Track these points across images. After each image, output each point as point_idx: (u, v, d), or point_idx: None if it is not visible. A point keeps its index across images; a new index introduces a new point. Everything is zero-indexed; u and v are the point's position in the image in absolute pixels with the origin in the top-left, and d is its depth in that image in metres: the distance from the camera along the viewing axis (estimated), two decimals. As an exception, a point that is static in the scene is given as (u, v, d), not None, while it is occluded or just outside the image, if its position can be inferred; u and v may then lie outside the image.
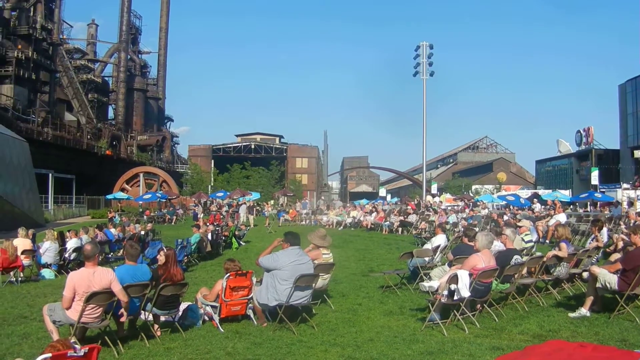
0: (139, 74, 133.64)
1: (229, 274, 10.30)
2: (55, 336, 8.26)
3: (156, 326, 9.47)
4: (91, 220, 47.35)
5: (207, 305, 10.43)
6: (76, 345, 5.24)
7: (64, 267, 18.91)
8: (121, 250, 22.43)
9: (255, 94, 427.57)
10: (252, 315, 10.42)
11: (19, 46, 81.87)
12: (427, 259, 14.80)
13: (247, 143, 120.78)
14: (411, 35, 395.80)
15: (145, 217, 45.16)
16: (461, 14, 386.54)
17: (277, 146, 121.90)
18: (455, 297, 9.62)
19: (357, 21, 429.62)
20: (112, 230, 26.19)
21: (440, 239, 16.01)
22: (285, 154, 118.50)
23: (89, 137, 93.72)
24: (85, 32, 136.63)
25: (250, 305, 10.48)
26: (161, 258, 10.27)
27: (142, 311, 9.48)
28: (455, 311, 9.70)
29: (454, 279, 9.63)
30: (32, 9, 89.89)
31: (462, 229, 22.08)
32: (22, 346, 8.91)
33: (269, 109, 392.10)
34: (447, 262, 12.89)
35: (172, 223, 46.36)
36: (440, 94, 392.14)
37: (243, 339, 9.19)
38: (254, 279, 10.69)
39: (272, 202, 61.68)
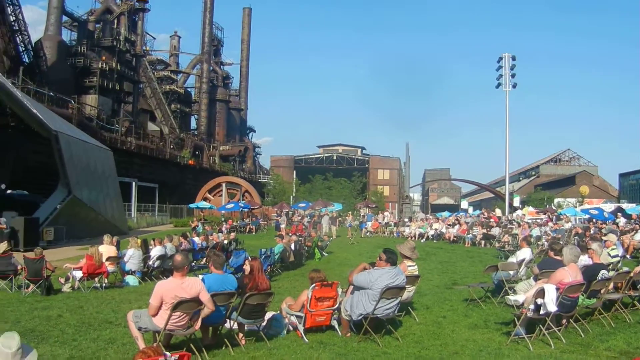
0: (222, 85, 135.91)
1: (314, 284, 10.28)
2: (141, 342, 8.41)
3: (241, 335, 9.55)
4: (173, 228, 48.18)
5: (292, 315, 10.41)
6: (167, 352, 5.36)
7: (147, 274, 19.25)
8: (204, 259, 22.79)
9: (338, 105, 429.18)
10: (336, 326, 10.38)
11: (103, 57, 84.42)
12: (512, 272, 14.50)
13: (329, 154, 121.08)
14: (496, 46, 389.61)
15: (227, 226, 45.65)
16: (544, 27, 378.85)
17: (359, 157, 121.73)
18: (542, 312, 9.39)
19: (441, 33, 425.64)
20: (196, 238, 26.58)
21: (525, 253, 15.67)
22: (367, 166, 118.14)
23: (171, 146, 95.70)
24: (168, 44, 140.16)
25: (335, 315, 10.46)
26: (247, 267, 10.38)
27: (227, 319, 9.55)
28: (541, 326, 9.48)
29: (541, 293, 9.40)
30: (115, 21, 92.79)
31: (546, 243, 21.56)
32: (108, 351, 9.06)
33: (351, 121, 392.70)
34: (532, 275, 12.58)
35: (254, 233, 46.75)
36: (522, 106, 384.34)
37: (327, 350, 9.13)
38: (340, 290, 10.65)
39: (354, 213, 61.46)
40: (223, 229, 42.11)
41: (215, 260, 9.89)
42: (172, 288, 8.47)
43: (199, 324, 8.82)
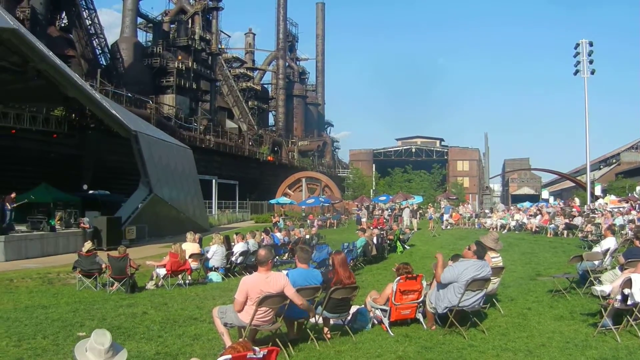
0: (298, 80, 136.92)
1: (399, 277, 10.15)
2: (226, 338, 8.41)
3: (326, 329, 9.49)
4: (254, 224, 48.68)
5: (377, 308, 10.29)
6: (255, 348, 5.22)
7: (230, 270, 19.31)
8: (286, 254, 22.80)
9: (415, 97, 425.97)
10: (421, 319, 10.25)
11: (179, 57, 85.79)
12: (596, 262, 14.02)
13: (408, 147, 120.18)
14: (570, 34, 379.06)
15: (308, 221, 45.85)
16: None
17: (438, 149, 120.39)
18: (629, 302, 9.06)
19: (510, 25, 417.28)
20: (278, 234, 26.62)
21: (609, 242, 15.21)
22: (446, 157, 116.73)
23: (250, 143, 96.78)
24: (243, 42, 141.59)
25: (420, 308, 10.34)
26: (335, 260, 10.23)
27: None
28: (628, 317, 9.23)
29: (628, 283, 9.07)
30: (190, 21, 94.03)
31: (630, 232, 20.77)
32: (194, 347, 9.08)
33: (429, 112, 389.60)
34: (617, 265, 12.09)
35: (335, 227, 46.79)
36: (600, 93, 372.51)
37: (413, 343, 9.04)
38: (424, 283, 10.51)
39: (435, 205, 60.83)
40: (315, 223, 42.76)
41: (300, 255, 9.83)
42: (257, 283, 8.42)
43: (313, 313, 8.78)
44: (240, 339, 8.15)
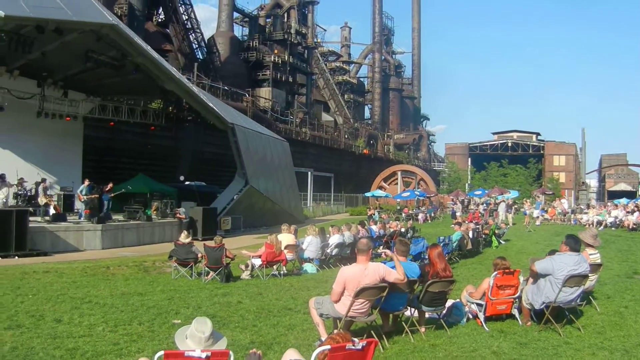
0: (394, 74, 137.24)
1: (496, 272, 10.06)
2: (322, 328, 8.48)
3: (421, 322, 9.48)
4: (349, 217, 48.78)
5: (473, 303, 10.28)
6: (355, 339, 5.37)
7: (325, 262, 19.29)
8: (381, 247, 22.63)
9: (511, 90, 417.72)
10: (517, 315, 10.18)
11: (276, 51, 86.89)
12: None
13: (504, 141, 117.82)
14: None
15: (404, 214, 45.63)
16: None
17: (534, 143, 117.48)
18: None
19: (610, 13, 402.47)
20: (374, 226, 26.48)
21: None
22: (542, 152, 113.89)
23: (346, 136, 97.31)
24: (339, 35, 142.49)
25: (515, 304, 10.25)
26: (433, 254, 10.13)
27: (408, 307, 9.52)
28: None
29: None
30: (285, 15, 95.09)
31: None
32: (288, 337, 9.11)
33: (525, 106, 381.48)
34: None
35: (430, 221, 46.58)
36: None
37: (508, 339, 9.02)
38: (521, 278, 10.39)
39: (530, 200, 59.53)
40: (419, 217, 42.81)
41: (399, 248, 9.73)
42: (356, 274, 8.39)
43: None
44: (335, 330, 8.28)
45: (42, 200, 25.94)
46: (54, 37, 24.85)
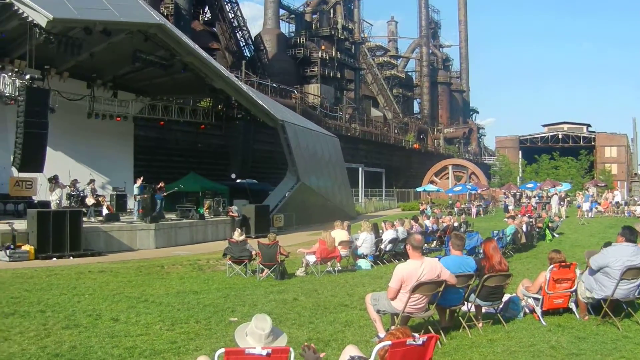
0: (442, 67, 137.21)
1: (553, 265, 9.91)
2: (379, 325, 8.45)
3: (478, 317, 9.46)
4: (401, 212, 48.61)
5: (530, 297, 10.16)
6: (415, 334, 5.29)
7: (379, 257, 19.18)
8: (434, 242, 22.50)
9: (562, 83, 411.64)
10: (574, 308, 10.01)
11: (323, 47, 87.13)
12: None
13: (554, 133, 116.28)
14: None
15: (456, 208, 45.38)
16: None
17: (585, 135, 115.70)
18: None
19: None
20: (427, 221, 26.32)
21: None
22: (593, 143, 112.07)
23: (395, 131, 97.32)
24: (386, 30, 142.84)
25: (572, 298, 10.09)
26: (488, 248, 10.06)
27: (465, 302, 9.43)
28: None
29: None
30: (331, 10, 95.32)
31: None
32: (345, 333, 9.03)
33: (575, 98, 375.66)
34: None
35: (482, 215, 46.31)
36: None
37: (566, 333, 8.89)
38: (578, 271, 10.23)
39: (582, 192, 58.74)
40: (472, 210, 42.68)
41: (454, 242, 9.80)
42: (413, 270, 8.34)
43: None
44: (393, 326, 8.20)
45: (90, 200, 26.31)
46: (102, 38, 25.17)
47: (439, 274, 8.43)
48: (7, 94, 24.60)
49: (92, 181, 27.56)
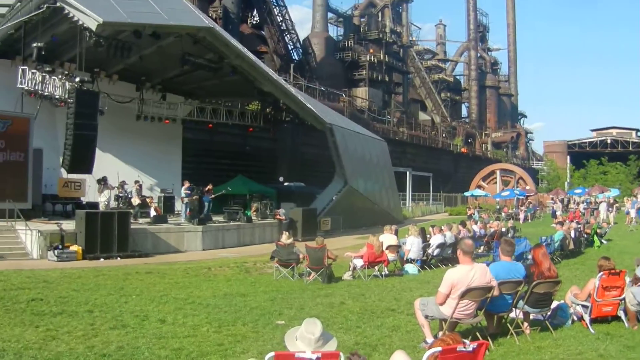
0: (490, 71, 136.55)
1: (602, 273, 9.83)
2: (427, 330, 8.46)
3: (525, 324, 9.34)
4: (448, 217, 48.40)
5: (578, 304, 10.06)
6: (466, 341, 5.38)
7: (426, 262, 19.03)
8: (481, 247, 22.26)
9: (611, 86, 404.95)
10: (623, 317, 9.86)
11: (371, 50, 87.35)
12: None
13: (603, 138, 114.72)
14: None
15: (503, 213, 44.99)
16: None
17: (634, 140, 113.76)
18: None
19: None
20: (475, 226, 26.09)
21: None
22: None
23: (443, 135, 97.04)
24: (434, 33, 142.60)
25: (621, 306, 9.95)
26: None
27: (513, 308, 9.32)
28: None
29: None
30: (380, 14, 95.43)
31: None
32: (392, 338, 9.02)
33: (624, 101, 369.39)
34: None
35: (530, 220, 45.90)
36: None
37: (614, 342, 8.77)
38: (627, 279, 10.12)
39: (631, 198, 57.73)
40: (520, 216, 42.60)
41: (505, 248, 9.71)
42: (463, 275, 8.34)
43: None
44: (440, 332, 8.37)
45: (135, 201, 26.64)
46: (151, 41, 25.50)
47: (489, 280, 8.40)
48: (57, 97, 25.16)
49: (137, 182, 27.85)
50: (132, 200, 26.64)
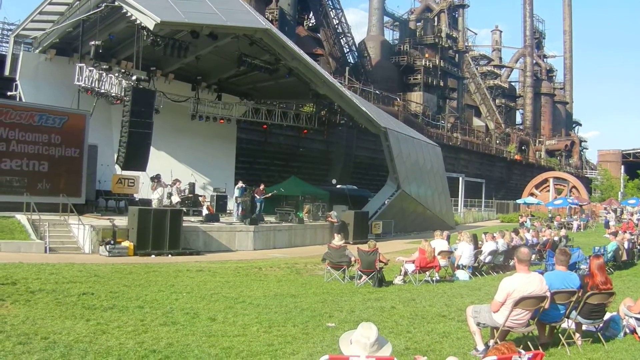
0: (545, 78, 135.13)
1: None
2: (478, 337, 8.34)
3: (577, 335, 9.19)
4: (500, 224, 47.88)
5: (631, 317, 9.82)
6: (521, 350, 5.32)
7: (478, 269, 18.82)
8: (533, 256, 21.95)
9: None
10: None
11: (426, 55, 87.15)
12: None
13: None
14: None
15: (555, 222, 44.41)
16: None
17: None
18: None
19: None
20: (527, 234, 25.71)
21: None
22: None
23: (497, 141, 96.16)
24: (490, 39, 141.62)
25: None
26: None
27: (566, 318, 9.17)
28: None
29: None
30: (436, 18, 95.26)
31: None
32: (443, 344, 8.87)
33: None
34: None
35: (582, 230, 45.16)
36: None
37: None
38: None
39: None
40: (574, 225, 41.95)
41: (560, 257, 9.55)
42: (520, 283, 8.21)
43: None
44: (492, 340, 8.29)
45: (175, 199, 26.76)
46: (208, 42, 25.76)
47: (544, 289, 8.26)
48: (113, 94, 25.57)
49: (177, 181, 27.92)
50: (172, 198, 26.81)
